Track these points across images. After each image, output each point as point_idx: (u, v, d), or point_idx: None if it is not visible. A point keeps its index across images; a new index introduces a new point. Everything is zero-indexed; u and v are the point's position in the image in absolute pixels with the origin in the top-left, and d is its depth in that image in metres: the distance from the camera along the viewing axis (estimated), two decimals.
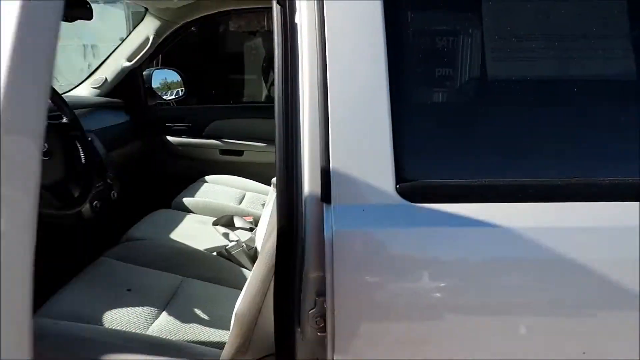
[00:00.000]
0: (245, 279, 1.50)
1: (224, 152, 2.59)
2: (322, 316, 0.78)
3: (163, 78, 2.84)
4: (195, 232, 1.76)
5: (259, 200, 2.23)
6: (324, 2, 0.75)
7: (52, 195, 1.25)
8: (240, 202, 2.19)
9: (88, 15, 1.55)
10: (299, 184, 0.79)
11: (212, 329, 1.21)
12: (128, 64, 2.34)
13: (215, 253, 1.61)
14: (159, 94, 2.70)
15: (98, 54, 10.82)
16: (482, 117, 0.87)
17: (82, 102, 2.12)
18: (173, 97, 2.86)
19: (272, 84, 7.33)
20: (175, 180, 2.60)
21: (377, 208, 0.74)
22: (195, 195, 2.13)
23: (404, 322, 0.76)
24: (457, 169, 0.80)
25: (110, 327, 1.14)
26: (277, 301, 0.84)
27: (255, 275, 0.95)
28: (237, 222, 1.89)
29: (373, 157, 0.74)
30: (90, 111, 2.16)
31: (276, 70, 0.80)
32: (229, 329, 1.21)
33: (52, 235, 1.83)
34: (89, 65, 11.13)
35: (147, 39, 2.28)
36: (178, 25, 2.33)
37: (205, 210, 2.00)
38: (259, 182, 2.46)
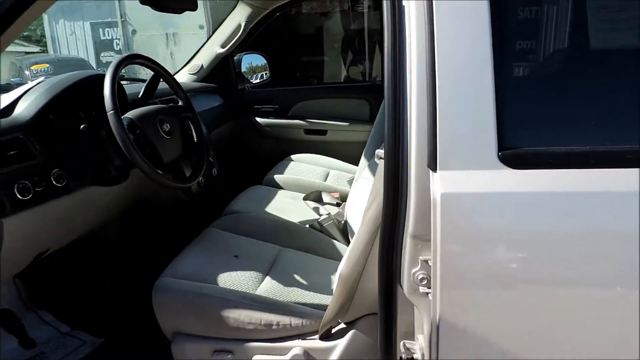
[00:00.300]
0: (337, 250, 1.60)
1: (309, 131, 2.69)
2: (426, 275, 0.85)
3: (250, 62, 3.01)
4: (287, 207, 1.88)
5: (343, 177, 2.31)
6: None
7: (171, 171, 1.41)
8: (326, 179, 2.29)
9: (193, 6, 1.69)
10: (405, 154, 0.85)
11: (312, 293, 1.31)
12: (222, 50, 2.50)
13: (308, 225, 1.71)
14: (247, 77, 2.86)
15: (179, 42, 11.42)
16: (582, 86, 0.87)
17: (185, 87, 2.31)
18: (258, 80, 3.03)
19: (351, 64, 7.39)
20: (263, 159, 2.76)
21: (480, 174, 0.78)
22: (284, 173, 2.25)
23: (503, 286, 0.79)
24: (558, 137, 0.82)
25: (224, 287, 1.27)
26: (382, 261, 0.91)
27: (357, 240, 1.02)
28: (325, 197, 1.99)
29: (477, 126, 0.78)
30: (190, 95, 2.34)
31: (385, 48, 0.86)
32: (326, 293, 1.31)
33: (165, 211, 2.04)
34: (171, 52, 11.81)
35: (239, 25, 2.42)
36: (267, 11, 2.44)
37: (294, 187, 2.12)
38: (341, 160, 2.55)
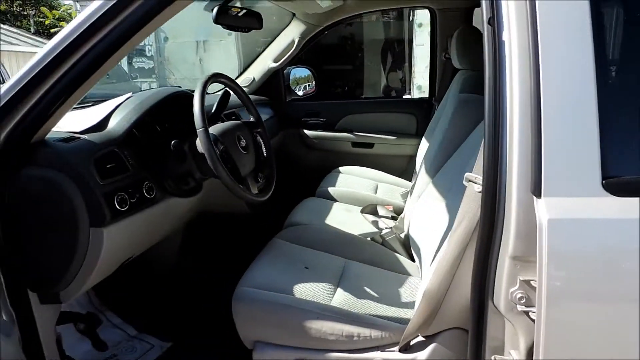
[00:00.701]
0: (400, 263, 1.64)
1: (356, 144, 2.75)
2: (524, 294, 0.88)
3: (297, 75, 3.08)
4: (346, 219, 1.93)
5: (394, 190, 2.35)
6: (538, 24, 0.83)
7: (246, 184, 1.47)
8: (376, 192, 2.34)
9: (259, 26, 1.77)
10: (503, 179, 0.89)
11: (384, 305, 1.35)
12: (274, 64, 2.58)
13: (369, 238, 1.76)
14: (294, 90, 2.94)
15: (208, 49, 11.63)
16: None
17: (236, 102, 2.39)
18: (302, 92, 3.10)
19: (390, 72, 7.49)
20: (310, 170, 2.83)
21: (584, 201, 0.82)
22: (336, 185, 2.31)
23: (606, 306, 0.83)
24: None
25: (302, 298, 1.32)
26: (476, 279, 0.95)
27: (445, 258, 1.07)
28: (380, 210, 2.03)
29: (581, 154, 0.82)
30: (243, 108, 2.42)
31: (486, 79, 0.90)
32: (397, 306, 1.36)
33: (227, 225, 2.11)
34: (200, 59, 12.00)
35: (293, 41, 2.50)
36: (320, 28, 2.51)
37: (348, 199, 2.17)
38: (388, 172, 2.59)
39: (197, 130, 1.29)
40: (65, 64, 1.07)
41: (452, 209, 1.37)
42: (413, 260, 1.68)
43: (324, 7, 2.17)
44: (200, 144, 1.31)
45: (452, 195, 1.42)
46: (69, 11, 15.30)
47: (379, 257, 1.64)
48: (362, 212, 1.98)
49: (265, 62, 2.63)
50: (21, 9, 16.03)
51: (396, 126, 2.72)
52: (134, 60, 13.00)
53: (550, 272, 0.81)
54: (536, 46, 0.84)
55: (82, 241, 1.17)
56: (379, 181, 2.47)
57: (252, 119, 1.65)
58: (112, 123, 1.34)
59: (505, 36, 0.90)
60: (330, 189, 2.22)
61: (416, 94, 8.95)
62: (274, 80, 2.75)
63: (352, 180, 2.42)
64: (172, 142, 1.34)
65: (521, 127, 0.86)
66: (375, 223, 1.87)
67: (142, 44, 12.95)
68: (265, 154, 1.63)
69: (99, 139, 1.26)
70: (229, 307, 1.30)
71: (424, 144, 2.40)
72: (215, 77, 1.45)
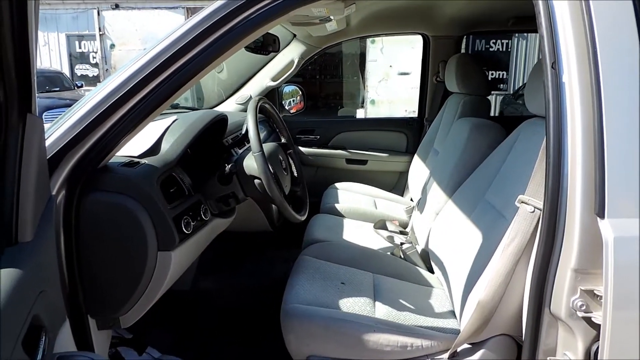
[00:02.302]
0: (422, 276, 1.76)
1: (350, 161, 2.86)
2: (584, 302, 1.02)
3: (285, 91, 3.15)
4: (361, 235, 2.03)
5: (394, 206, 2.48)
6: (599, 67, 0.98)
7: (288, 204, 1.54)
8: (375, 207, 2.45)
9: (277, 49, 1.85)
10: (563, 199, 1.02)
11: (422, 317, 1.46)
12: (272, 83, 2.64)
13: (389, 253, 1.86)
14: (285, 106, 3.01)
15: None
16: None
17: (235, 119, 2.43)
18: (290, 107, 3.16)
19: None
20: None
21: None
22: (339, 201, 2.40)
23: None
24: None
25: (348, 311, 1.40)
26: (534, 290, 1.08)
27: (498, 270, 1.19)
28: (389, 226, 2.15)
29: None
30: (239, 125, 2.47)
31: (550, 107, 1.03)
32: (433, 317, 1.47)
33: (244, 243, 2.14)
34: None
35: (292, 61, 2.58)
36: (320, 49, 2.61)
37: (355, 215, 2.27)
38: (380, 188, 2.72)
39: (254, 154, 1.34)
40: (144, 90, 1.10)
41: (479, 226, 1.51)
42: (432, 272, 1.80)
43: (328, 31, 2.27)
44: (254, 167, 1.36)
45: (478, 214, 1.55)
46: None
47: (402, 270, 1.74)
48: (375, 227, 2.08)
49: (263, 80, 2.69)
50: None
51: (388, 143, 2.86)
52: (77, 67, 12.48)
53: (616, 283, 0.95)
54: (596, 63, 0.97)
55: (149, 266, 1.18)
56: (376, 197, 2.59)
57: (283, 140, 1.71)
58: (165, 146, 1.36)
59: (565, 78, 1.04)
60: (336, 206, 2.31)
61: (369, 107, 9.26)
62: (269, 98, 2.80)
63: (351, 196, 2.52)
64: (229, 165, 1.38)
65: (584, 155, 1.00)
66: (390, 238, 1.98)
67: (86, 50, 12.46)
68: (296, 174, 1.70)
69: (159, 163, 1.28)
70: (251, 326, 1.34)
71: (417, 161, 2.55)
72: (263, 101, 1.51)
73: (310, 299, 1.43)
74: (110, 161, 1.21)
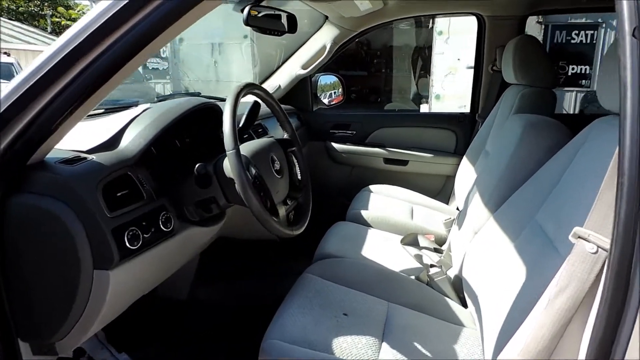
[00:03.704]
0: (450, 309, 1.41)
1: (388, 161, 2.53)
2: None
3: (323, 82, 2.87)
4: (384, 250, 1.71)
5: (432, 216, 2.12)
6: None
7: (278, 214, 1.25)
8: (412, 216, 2.11)
9: (293, 30, 1.57)
10: None
11: None
12: (303, 71, 2.36)
13: (413, 277, 1.53)
14: (321, 98, 2.72)
15: (223, 51, 11.55)
16: None
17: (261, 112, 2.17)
18: (327, 100, 2.88)
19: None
20: (337, 188, 2.60)
21: None
22: (369, 207, 2.08)
23: None
24: None
25: (341, 357, 1.10)
26: (599, 348, 0.72)
27: (542, 324, 0.84)
28: (422, 241, 1.80)
29: None
30: (266, 120, 2.21)
31: (627, 103, 0.67)
32: None
33: (249, 252, 1.89)
34: (215, 61, 11.94)
35: (324, 47, 2.28)
36: (355, 34, 2.30)
37: (384, 225, 1.95)
38: (422, 193, 2.36)
39: (227, 153, 1.08)
40: (76, 67, 0.87)
41: (525, 256, 1.15)
42: (464, 306, 1.45)
43: (362, 11, 1.96)
44: (229, 168, 1.09)
45: (525, 239, 1.19)
46: (85, 11, 15.37)
47: (426, 301, 1.41)
48: (402, 242, 1.75)
49: (292, 69, 2.42)
50: (39, 8, 16.11)
51: (433, 143, 2.49)
52: (148, 61, 12.94)
53: None
54: None
55: (84, 286, 0.96)
56: (414, 203, 2.24)
57: (286, 135, 1.43)
58: (126, 140, 1.13)
59: None
60: (363, 213, 2.00)
61: (434, 103, 8.76)
62: (301, 88, 2.54)
63: (385, 201, 2.19)
64: (197, 166, 1.13)
65: None
66: (418, 258, 1.64)
67: None
68: (299, 177, 1.41)
69: (110, 160, 1.05)
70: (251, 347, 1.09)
71: (465, 165, 2.17)
72: (249, 88, 1.24)
73: (296, 335, 1.14)
74: (49, 156, 1.00)
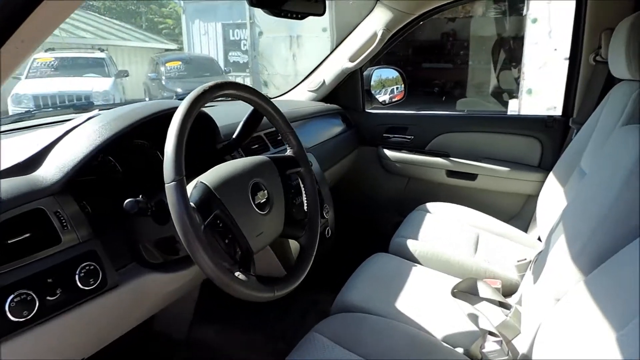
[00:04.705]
0: None
1: (452, 173, 2.07)
2: None
3: (381, 78, 2.47)
4: (428, 304, 1.29)
5: (502, 248, 1.65)
6: None
7: (251, 266, 0.89)
8: (476, 247, 1.65)
9: (319, 11, 1.21)
10: None
11: None
12: (350, 65, 1.99)
13: (460, 349, 1.11)
14: (376, 96, 2.32)
15: (302, 44, 11.42)
16: None
17: (297, 112, 1.82)
18: (387, 98, 2.47)
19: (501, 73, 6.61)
20: (387, 203, 2.20)
21: None
22: (419, 236, 1.66)
23: None
24: None
25: None
26: None
27: None
28: (483, 289, 1.36)
29: None
30: (306, 122, 1.86)
31: None
32: None
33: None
34: (293, 54, 11.87)
35: (375, 35, 1.88)
36: (413, 17, 1.87)
37: (434, 263, 1.52)
38: (494, 216, 1.88)
39: (166, 185, 0.74)
40: None
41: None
42: None
43: None
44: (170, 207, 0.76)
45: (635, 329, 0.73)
46: (175, 8, 16.06)
47: None
48: (453, 293, 1.31)
49: (338, 62, 2.04)
50: (135, 7, 17.14)
51: (512, 153, 1.99)
52: (230, 54, 13.18)
53: None
54: None
55: None
56: (482, 229, 1.77)
57: (289, 151, 1.07)
58: (50, 160, 0.84)
59: None
60: (410, 243, 1.58)
61: (525, 98, 7.89)
62: (350, 84, 2.15)
63: (443, 225, 1.75)
64: (125, 202, 0.80)
65: None
66: (473, 318, 1.20)
67: (238, 37, 13.07)
68: (306, 208, 1.05)
69: (16, 189, 0.76)
70: None
71: (552, 184, 1.67)
72: (220, 89, 0.89)
73: None
74: None
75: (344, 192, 2.14)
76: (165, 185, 0.74)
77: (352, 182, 2.22)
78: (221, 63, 12.61)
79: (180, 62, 10.66)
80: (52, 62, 8.84)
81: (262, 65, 12.53)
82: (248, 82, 12.35)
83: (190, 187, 0.82)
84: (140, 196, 0.82)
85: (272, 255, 1.31)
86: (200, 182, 0.83)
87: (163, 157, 0.76)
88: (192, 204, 0.77)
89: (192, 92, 0.82)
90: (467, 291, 1.37)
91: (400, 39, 2.05)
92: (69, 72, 8.76)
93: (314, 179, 1.08)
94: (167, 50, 14.89)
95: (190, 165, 0.83)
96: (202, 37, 13.55)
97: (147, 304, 0.98)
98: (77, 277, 0.77)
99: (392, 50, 2.32)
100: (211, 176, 0.85)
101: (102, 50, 10.14)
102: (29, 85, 8.00)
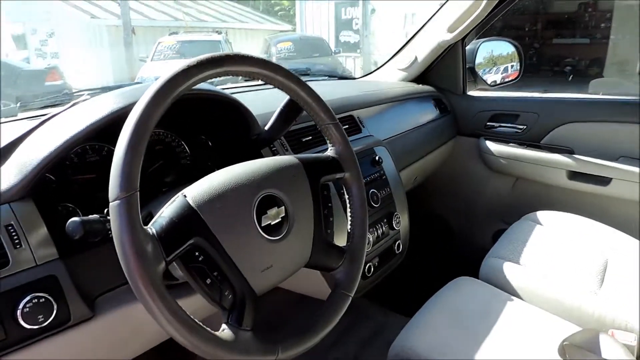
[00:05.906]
0: None
1: (576, 175, 1.63)
2: None
3: (491, 53, 2.06)
4: (521, 354, 0.95)
5: (635, 279, 1.21)
6: None
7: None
8: (602, 281, 1.23)
9: None
10: None
11: None
12: (448, 36, 1.63)
13: None
14: (481, 76, 1.92)
15: (417, 23, 10.82)
16: None
17: (375, 96, 1.53)
18: (498, 78, 2.06)
19: None
20: (486, 208, 1.82)
21: None
22: (522, 257, 1.29)
23: None
24: None
25: None
26: None
27: None
28: (606, 345, 0.98)
29: None
30: (387, 107, 1.56)
31: None
32: None
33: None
34: (406, 33, 11.30)
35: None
36: None
37: (540, 299, 1.15)
38: (630, 234, 1.42)
39: (110, 204, 0.53)
40: None
41: None
42: None
43: None
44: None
45: None
46: None
47: None
48: (563, 347, 0.95)
49: (433, 33, 1.70)
50: None
51: None
52: (341, 34, 12.99)
53: None
54: None
55: None
56: (614, 252, 1.34)
57: (330, 150, 0.79)
58: (14, 158, 0.68)
59: None
60: (508, 268, 1.22)
61: None
62: (448, 61, 1.80)
63: (557, 243, 1.36)
64: (68, 222, 0.60)
65: None
66: None
67: (350, 16, 12.80)
68: (350, 229, 0.78)
69: None
70: None
71: None
72: (206, 68, 0.64)
73: None
74: None
75: (432, 193, 1.81)
76: (110, 203, 0.52)
77: (443, 181, 1.87)
78: (332, 43, 12.49)
79: (290, 43, 10.76)
80: (174, 45, 9.41)
81: (374, 45, 12.15)
82: (359, 63, 12.07)
83: (168, 203, 0.60)
84: (106, 210, 0.62)
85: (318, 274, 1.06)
86: (183, 195, 0.60)
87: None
88: (151, 228, 0.55)
89: (166, 73, 0.59)
90: (583, 346, 0.99)
91: (522, 10, 1.63)
92: (188, 54, 9.28)
93: (363, 188, 0.80)
94: (281, 31, 15.20)
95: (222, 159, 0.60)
96: (314, 17, 13.55)
97: (140, 336, 0.80)
98: (18, 312, 0.60)
99: (517, 24, 1.91)
100: (200, 188, 0.62)
101: (219, 33, 10.58)
102: (154, 67, 8.60)
